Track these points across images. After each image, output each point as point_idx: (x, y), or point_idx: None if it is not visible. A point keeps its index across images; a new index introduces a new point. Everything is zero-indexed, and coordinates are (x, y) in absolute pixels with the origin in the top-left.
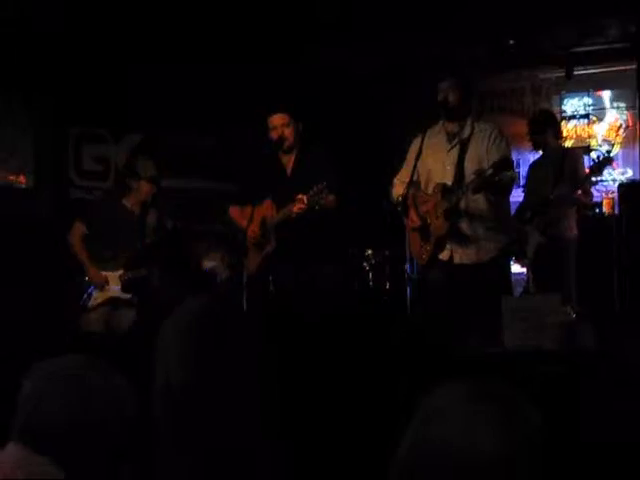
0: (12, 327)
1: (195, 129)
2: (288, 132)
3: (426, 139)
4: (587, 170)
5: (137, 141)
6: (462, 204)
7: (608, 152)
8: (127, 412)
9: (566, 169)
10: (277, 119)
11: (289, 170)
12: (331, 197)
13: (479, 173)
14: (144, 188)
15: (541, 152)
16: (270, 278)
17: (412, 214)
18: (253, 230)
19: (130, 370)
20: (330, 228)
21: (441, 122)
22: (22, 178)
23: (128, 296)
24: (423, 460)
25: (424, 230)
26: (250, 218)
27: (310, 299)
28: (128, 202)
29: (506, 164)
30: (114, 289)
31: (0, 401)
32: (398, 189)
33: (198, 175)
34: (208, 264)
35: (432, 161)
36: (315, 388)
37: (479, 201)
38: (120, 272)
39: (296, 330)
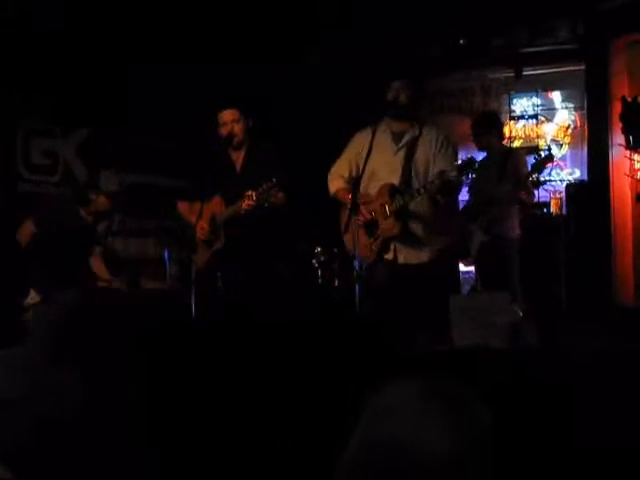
0: None
1: (147, 125)
2: (238, 128)
3: (368, 136)
4: (527, 171)
5: (84, 136)
6: (410, 205)
7: (549, 149)
8: (72, 405)
9: (509, 169)
10: (227, 115)
11: (238, 167)
12: (280, 194)
13: (441, 175)
14: (102, 201)
15: (485, 152)
16: (218, 274)
17: (361, 213)
18: (202, 226)
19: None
20: (279, 225)
21: (386, 121)
22: None
23: None
24: (374, 457)
25: (370, 230)
26: (199, 214)
27: (258, 296)
28: (84, 211)
29: (471, 165)
30: None
31: None
32: (335, 183)
33: (150, 171)
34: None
35: (377, 161)
36: (263, 384)
37: (424, 202)
38: None
39: (244, 327)
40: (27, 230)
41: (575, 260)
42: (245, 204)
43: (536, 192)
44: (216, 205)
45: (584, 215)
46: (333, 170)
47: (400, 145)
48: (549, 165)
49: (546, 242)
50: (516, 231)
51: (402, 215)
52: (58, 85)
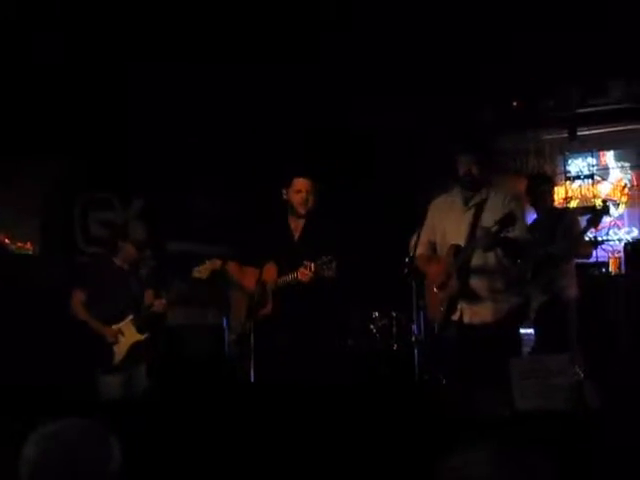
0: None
1: (199, 192)
2: (312, 200)
3: (442, 203)
4: (583, 226)
5: (142, 206)
6: (473, 263)
7: (604, 202)
8: (115, 468)
9: (561, 228)
10: (306, 184)
11: (297, 235)
12: (334, 268)
13: (486, 230)
14: (129, 250)
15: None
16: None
17: (430, 275)
18: (256, 292)
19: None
20: (330, 292)
21: (458, 188)
22: (29, 245)
23: (145, 336)
24: None
25: (441, 291)
26: (257, 280)
27: (306, 364)
28: (118, 260)
29: (510, 220)
30: (131, 335)
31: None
32: (417, 250)
33: (204, 239)
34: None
35: (448, 223)
36: (323, 453)
37: (490, 261)
38: (130, 318)
39: (293, 398)
40: (78, 299)
41: (635, 319)
42: (302, 274)
43: (594, 252)
44: (269, 272)
45: None
46: (414, 239)
47: (469, 206)
48: (608, 221)
49: (605, 301)
50: (574, 290)
51: (464, 274)
52: (116, 155)
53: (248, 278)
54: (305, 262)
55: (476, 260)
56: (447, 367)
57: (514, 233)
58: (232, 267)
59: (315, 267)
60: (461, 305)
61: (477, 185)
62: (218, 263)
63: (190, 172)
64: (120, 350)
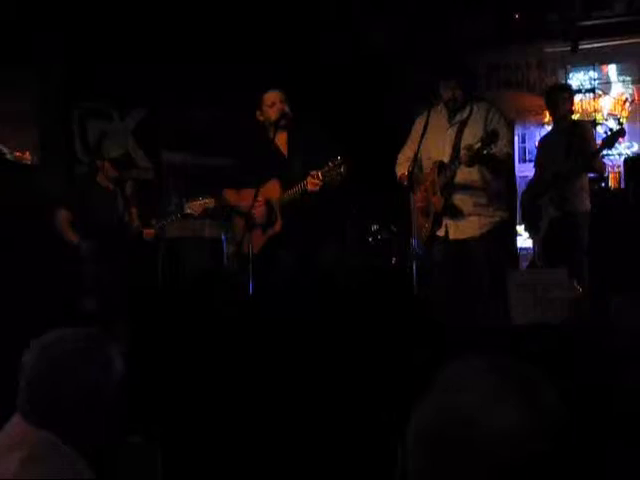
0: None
1: (198, 105)
2: (288, 108)
3: (428, 118)
4: (598, 143)
5: (141, 117)
6: (457, 180)
7: (620, 124)
8: (118, 377)
9: (576, 142)
10: (276, 95)
11: (284, 150)
12: (344, 170)
13: (469, 147)
14: (108, 169)
15: (551, 126)
16: (275, 260)
17: (416, 192)
18: (258, 210)
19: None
20: (334, 206)
21: (442, 105)
22: (27, 155)
23: None
24: (446, 430)
25: (425, 207)
26: (254, 198)
27: (316, 278)
28: (101, 180)
29: (493, 137)
30: None
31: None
32: (401, 167)
33: (204, 152)
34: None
35: (432, 140)
36: (321, 367)
37: (473, 177)
38: None
39: (301, 308)
40: (64, 218)
41: (634, 234)
42: (311, 184)
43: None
44: (272, 189)
45: None
46: (399, 155)
47: (453, 123)
48: (621, 140)
49: (604, 216)
50: (587, 205)
51: (448, 190)
52: (115, 66)
53: (247, 199)
54: (312, 172)
55: (460, 177)
56: (439, 281)
57: (496, 149)
58: (229, 194)
59: (323, 174)
60: (446, 221)
61: (461, 105)
62: (212, 201)
63: (189, 88)
64: None
